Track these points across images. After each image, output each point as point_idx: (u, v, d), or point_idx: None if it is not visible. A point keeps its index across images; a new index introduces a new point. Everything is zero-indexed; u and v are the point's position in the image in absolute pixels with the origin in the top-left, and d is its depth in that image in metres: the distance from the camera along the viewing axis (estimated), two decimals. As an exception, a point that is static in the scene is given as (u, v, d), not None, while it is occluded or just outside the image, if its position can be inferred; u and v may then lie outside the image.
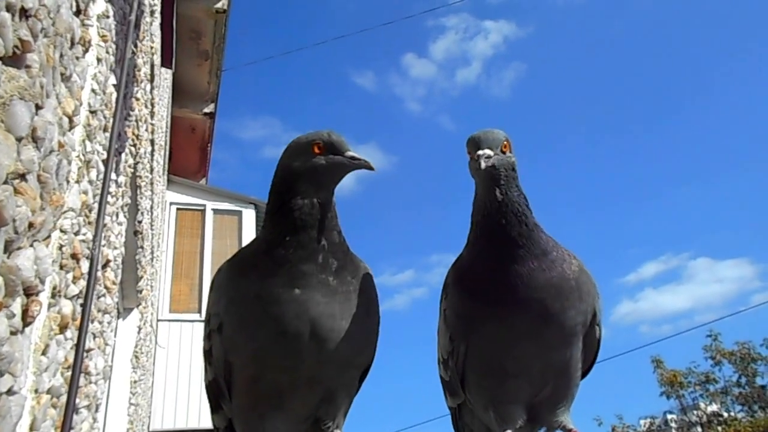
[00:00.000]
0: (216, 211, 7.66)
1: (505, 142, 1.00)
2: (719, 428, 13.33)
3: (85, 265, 1.70)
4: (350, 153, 0.96)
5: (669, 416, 15.05)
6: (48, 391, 1.36)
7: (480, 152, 0.96)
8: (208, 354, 1.03)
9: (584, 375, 1.14)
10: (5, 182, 1.08)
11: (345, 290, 0.94)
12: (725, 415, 13.67)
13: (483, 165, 0.95)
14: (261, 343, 0.93)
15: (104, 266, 2.21)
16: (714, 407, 13.91)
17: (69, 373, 1.50)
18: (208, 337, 1.02)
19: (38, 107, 1.19)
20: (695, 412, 14.12)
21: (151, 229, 4.55)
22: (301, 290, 0.90)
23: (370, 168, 0.95)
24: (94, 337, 2.07)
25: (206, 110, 7.58)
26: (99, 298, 2.12)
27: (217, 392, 1.04)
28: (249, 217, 7.70)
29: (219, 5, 6.20)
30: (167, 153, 7.07)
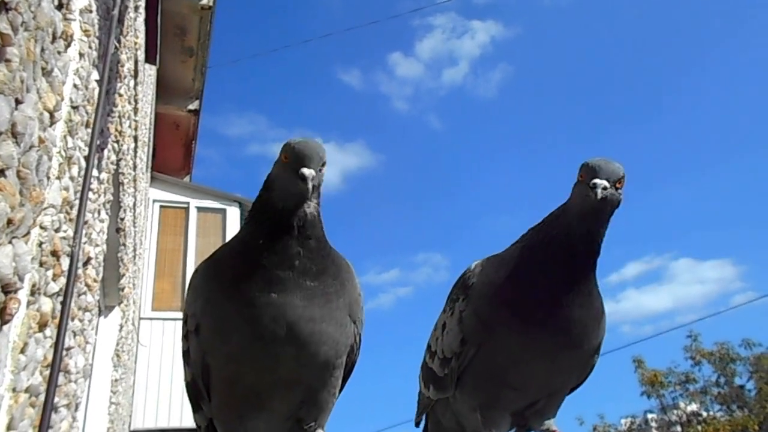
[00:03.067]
0: (200, 209, 7.60)
1: (621, 179, 0.99)
2: (698, 427, 13.53)
3: (65, 263, 1.68)
4: (302, 171, 0.89)
5: (649, 416, 15.24)
6: (26, 390, 1.34)
7: (597, 181, 0.94)
8: (186, 354, 1.03)
9: (574, 389, 1.18)
10: (-17, 178, 1.06)
11: (325, 293, 0.94)
12: (704, 414, 13.89)
13: (600, 195, 0.93)
14: (237, 346, 0.92)
15: (85, 264, 2.19)
16: (693, 407, 14.12)
17: (48, 372, 1.48)
18: (185, 337, 1.01)
19: (18, 102, 1.17)
20: (675, 411, 14.32)
21: (134, 227, 4.50)
22: (278, 294, 0.90)
23: (303, 195, 0.91)
24: (75, 336, 2.04)
25: (191, 107, 7.52)
26: (80, 295, 2.09)
27: (196, 392, 1.03)
28: (233, 215, 7.66)
29: (204, 2, 6.15)
30: (151, 150, 7.00)
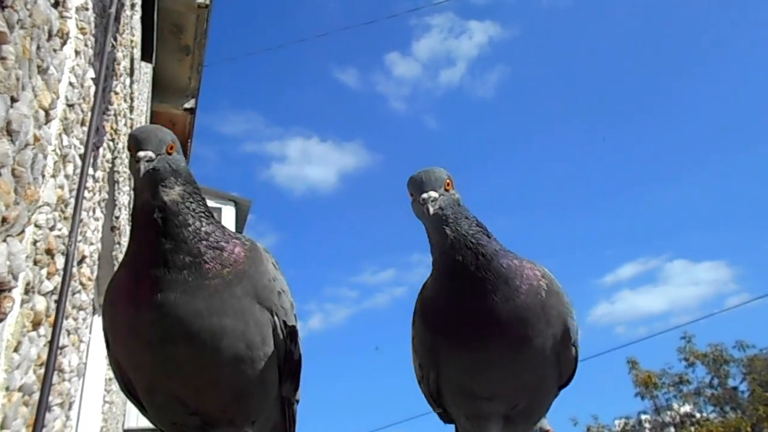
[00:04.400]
0: (196, 208, 7.59)
1: (448, 180, 1.00)
2: (692, 428, 13.59)
3: (60, 261, 1.67)
4: (138, 154, 0.86)
5: (643, 417, 15.29)
6: (20, 389, 1.33)
7: (425, 195, 0.95)
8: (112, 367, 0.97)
9: (563, 387, 1.15)
10: (-22, 175, 1.06)
11: (212, 285, 0.86)
12: (698, 415, 13.95)
13: (431, 210, 0.94)
14: (134, 353, 0.87)
15: (80, 262, 2.18)
16: (687, 408, 14.18)
17: (42, 371, 1.47)
18: (107, 350, 0.96)
19: (13, 100, 1.17)
20: (669, 412, 14.37)
21: (129, 225, 4.49)
22: (159, 294, 0.84)
23: (144, 180, 0.87)
24: (69, 334, 2.04)
25: (187, 106, 7.49)
26: (74, 294, 2.09)
27: (133, 401, 0.98)
28: (229, 214, 7.65)
29: (201, 0, 6.14)
30: (146, 148, 6.96)
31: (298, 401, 1.08)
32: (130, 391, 0.95)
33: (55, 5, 1.45)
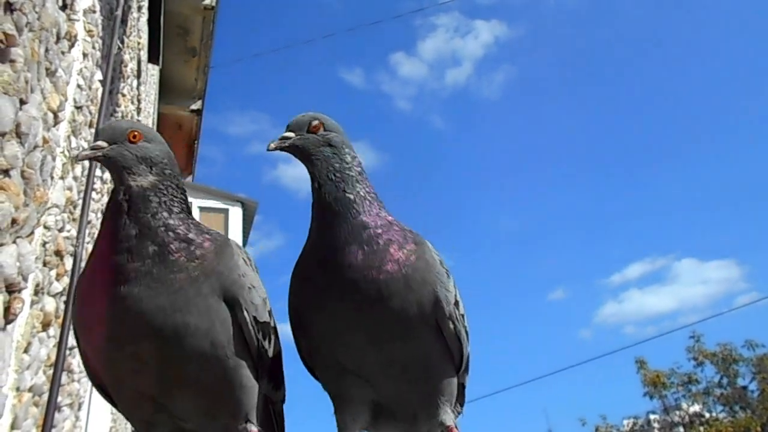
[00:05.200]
0: (203, 209, 7.62)
1: (316, 123, 0.99)
2: (701, 428, 13.49)
3: (69, 262, 1.68)
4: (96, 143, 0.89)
5: (652, 416, 15.20)
6: (30, 389, 1.34)
7: (283, 135, 0.99)
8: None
9: (461, 372, 1.03)
10: (-12, 177, 1.07)
11: (177, 279, 0.83)
12: (707, 415, 13.85)
13: (272, 145, 0.97)
14: (101, 350, 0.85)
15: (88, 263, 2.19)
16: (696, 408, 14.08)
17: (51, 371, 1.48)
18: (77, 343, 0.93)
19: (22, 102, 1.17)
20: (677, 412, 14.28)
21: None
22: (123, 286, 0.81)
23: (101, 161, 0.89)
24: (78, 335, 2.05)
25: (193, 107, 7.52)
26: (83, 295, 2.10)
27: (104, 395, 0.95)
28: (236, 215, 7.67)
29: (207, 2, 6.16)
30: (154, 150, 7.00)
31: (283, 400, 1.05)
32: (99, 385, 0.93)
33: (63, 8, 1.46)
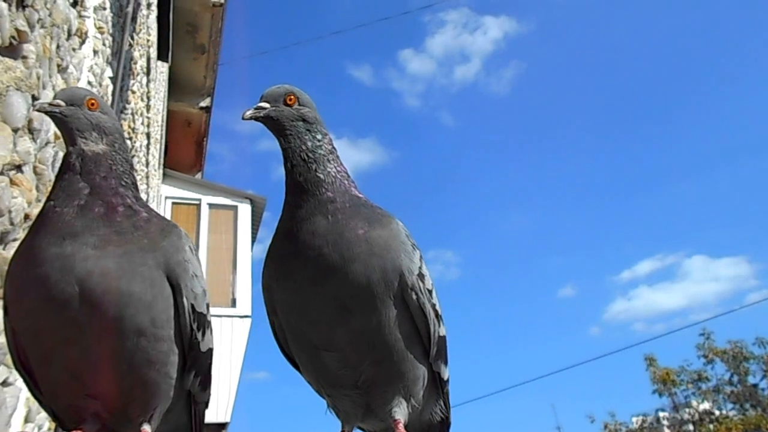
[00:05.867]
0: (211, 206, 7.64)
1: (291, 96, 0.99)
2: (711, 426, 13.42)
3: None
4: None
5: (661, 414, 15.13)
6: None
7: (258, 104, 0.98)
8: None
9: (433, 358, 0.98)
10: (1, 173, 1.08)
11: (124, 243, 0.80)
12: (717, 413, 13.77)
13: (247, 114, 0.97)
14: (34, 316, 0.79)
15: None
16: (706, 405, 14.00)
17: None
18: (4, 317, 0.86)
19: (34, 98, 1.18)
20: (687, 410, 14.20)
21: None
22: (67, 243, 0.77)
23: (54, 118, 0.89)
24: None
25: (202, 104, 7.55)
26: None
27: (27, 381, 0.88)
28: (245, 211, 7.69)
29: (216, -1, 6.18)
30: (163, 147, 7.04)
31: (207, 402, 0.99)
32: (24, 365, 0.86)
33: (74, 5, 1.47)
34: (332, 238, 0.88)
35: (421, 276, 0.93)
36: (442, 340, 0.98)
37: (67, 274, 0.76)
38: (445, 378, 1.02)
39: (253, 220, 7.80)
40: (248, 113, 0.97)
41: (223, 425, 6.38)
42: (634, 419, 15.13)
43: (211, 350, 0.94)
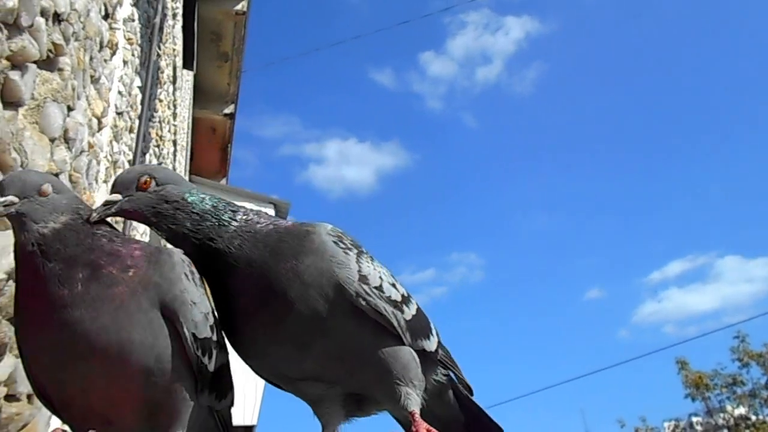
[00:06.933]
0: (237, 211, 7.74)
1: (144, 179, 0.91)
2: (747, 431, 13.07)
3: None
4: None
5: (694, 419, 14.79)
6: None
7: (107, 198, 0.91)
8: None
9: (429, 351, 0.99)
10: (39, 182, 1.12)
11: (116, 294, 0.85)
12: (753, 418, 13.40)
13: (94, 216, 0.89)
14: (48, 373, 0.87)
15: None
16: (741, 410, 13.64)
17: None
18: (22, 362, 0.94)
19: (70, 109, 1.22)
20: (722, 415, 13.86)
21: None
22: (62, 312, 0.83)
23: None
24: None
25: (226, 111, 7.67)
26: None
27: (52, 411, 0.95)
28: (269, 216, 7.78)
29: (238, 7, 6.27)
30: (189, 153, 7.17)
31: (230, 406, 1.05)
32: (44, 396, 0.93)
33: (105, 17, 1.52)
34: (266, 290, 0.88)
35: (363, 279, 0.91)
36: (415, 319, 0.96)
37: (70, 338, 0.82)
38: (432, 349, 1.00)
39: (277, 224, 7.87)
40: (95, 214, 0.89)
41: (249, 428, 6.44)
42: (665, 424, 14.81)
43: (224, 365, 0.97)
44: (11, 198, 0.85)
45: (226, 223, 0.92)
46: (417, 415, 0.91)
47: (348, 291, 0.89)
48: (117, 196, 0.89)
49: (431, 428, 0.90)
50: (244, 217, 0.94)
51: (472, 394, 1.12)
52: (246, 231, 0.91)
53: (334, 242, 0.92)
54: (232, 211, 0.94)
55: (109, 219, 0.93)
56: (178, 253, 0.91)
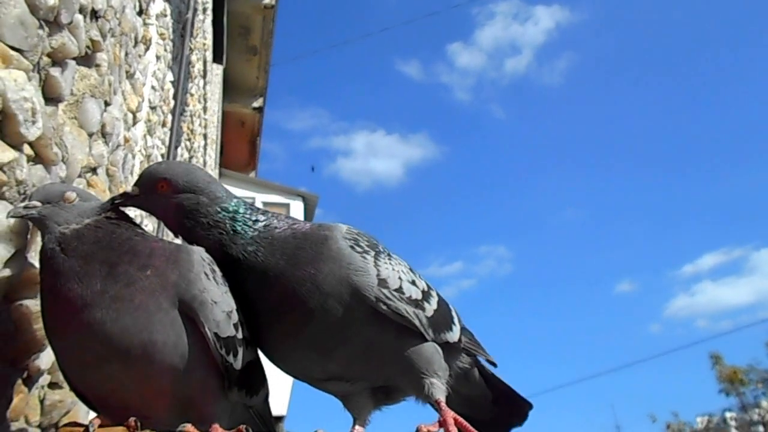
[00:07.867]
0: (265, 204, 7.82)
1: (162, 183, 0.91)
2: (783, 428, 12.73)
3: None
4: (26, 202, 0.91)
5: (728, 414, 14.46)
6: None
7: (126, 190, 0.94)
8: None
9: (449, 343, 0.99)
10: (79, 176, 1.15)
11: (136, 294, 0.85)
12: (790, 414, 13.04)
13: (105, 205, 0.94)
14: (79, 373, 0.90)
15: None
16: (777, 406, 13.28)
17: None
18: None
19: (107, 104, 1.25)
20: (757, 410, 13.52)
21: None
22: (84, 314, 0.83)
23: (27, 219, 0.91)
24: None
25: (255, 105, 7.74)
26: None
27: (85, 403, 0.98)
28: (297, 209, 7.84)
29: (267, 1, 6.31)
30: (219, 147, 7.26)
31: (265, 400, 1.06)
32: (77, 390, 0.96)
33: (140, 13, 1.54)
34: (286, 299, 0.88)
35: (382, 283, 0.90)
36: (436, 313, 0.96)
37: (92, 341, 0.83)
38: (455, 340, 1.00)
39: (305, 217, 7.94)
40: (108, 203, 0.92)
41: (279, 418, 6.55)
42: (698, 419, 14.53)
43: (252, 362, 0.96)
44: (35, 202, 0.89)
45: (242, 232, 0.92)
46: (443, 404, 0.91)
47: (368, 297, 0.89)
48: (136, 190, 0.93)
49: (458, 417, 0.90)
50: (264, 224, 0.93)
51: (495, 366, 1.12)
52: (263, 238, 0.91)
53: (351, 246, 0.91)
54: (253, 220, 0.94)
55: (140, 214, 0.94)
56: (198, 252, 0.91)
